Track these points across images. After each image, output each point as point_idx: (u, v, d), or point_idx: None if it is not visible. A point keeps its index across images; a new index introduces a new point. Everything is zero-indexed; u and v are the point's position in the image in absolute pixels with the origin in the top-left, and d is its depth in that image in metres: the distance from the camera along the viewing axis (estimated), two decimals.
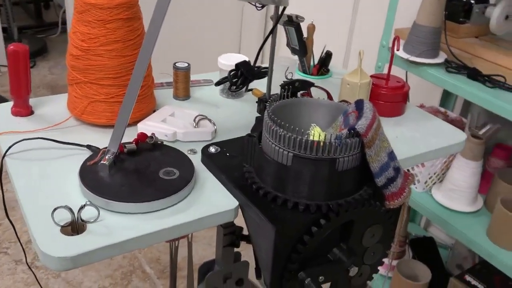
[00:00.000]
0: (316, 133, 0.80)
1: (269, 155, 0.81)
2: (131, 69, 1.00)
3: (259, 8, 0.84)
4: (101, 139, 0.97)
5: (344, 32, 2.33)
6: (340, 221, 0.79)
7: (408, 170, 0.94)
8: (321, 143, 0.76)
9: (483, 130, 1.63)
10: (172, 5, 0.78)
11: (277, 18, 0.88)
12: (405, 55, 1.50)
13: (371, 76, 1.18)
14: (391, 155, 0.84)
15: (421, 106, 1.81)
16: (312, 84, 0.96)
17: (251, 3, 0.84)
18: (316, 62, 1.35)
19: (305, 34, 1.27)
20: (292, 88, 0.90)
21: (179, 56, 1.57)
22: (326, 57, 1.34)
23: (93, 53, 0.97)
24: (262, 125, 0.86)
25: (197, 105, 1.15)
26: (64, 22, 3.83)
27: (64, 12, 3.50)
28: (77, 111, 1.02)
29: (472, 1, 1.56)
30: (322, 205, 0.78)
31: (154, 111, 1.07)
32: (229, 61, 1.18)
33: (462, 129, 1.76)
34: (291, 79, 0.91)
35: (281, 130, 0.78)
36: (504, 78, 1.39)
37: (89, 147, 0.94)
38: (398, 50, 1.14)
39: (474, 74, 1.43)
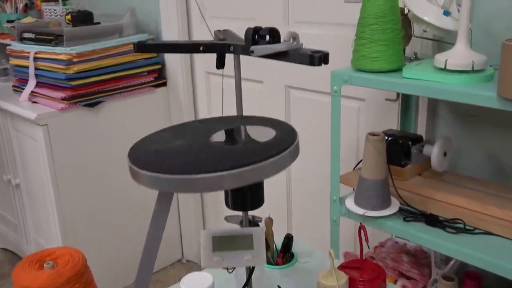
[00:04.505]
0: None
1: None
2: None
3: None
4: None
5: (282, 191, 2.32)
6: None
7: None
8: None
9: (450, 265, 1.61)
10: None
11: None
12: (360, 210, 1.48)
13: (342, 268, 1.11)
14: None
15: (381, 246, 1.77)
16: None
17: None
18: (279, 249, 1.27)
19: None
20: None
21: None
22: (288, 241, 1.28)
23: None
24: None
25: None
26: None
27: None
28: None
29: (409, 143, 1.58)
30: None
31: None
32: (191, 284, 1.07)
33: (428, 264, 1.73)
34: None
35: None
36: (463, 222, 1.38)
37: None
38: (367, 241, 1.10)
39: (432, 221, 1.42)
